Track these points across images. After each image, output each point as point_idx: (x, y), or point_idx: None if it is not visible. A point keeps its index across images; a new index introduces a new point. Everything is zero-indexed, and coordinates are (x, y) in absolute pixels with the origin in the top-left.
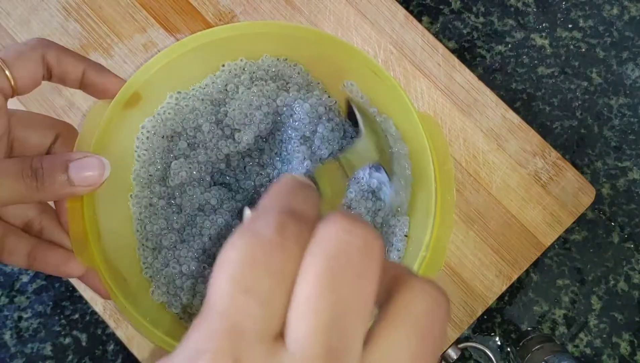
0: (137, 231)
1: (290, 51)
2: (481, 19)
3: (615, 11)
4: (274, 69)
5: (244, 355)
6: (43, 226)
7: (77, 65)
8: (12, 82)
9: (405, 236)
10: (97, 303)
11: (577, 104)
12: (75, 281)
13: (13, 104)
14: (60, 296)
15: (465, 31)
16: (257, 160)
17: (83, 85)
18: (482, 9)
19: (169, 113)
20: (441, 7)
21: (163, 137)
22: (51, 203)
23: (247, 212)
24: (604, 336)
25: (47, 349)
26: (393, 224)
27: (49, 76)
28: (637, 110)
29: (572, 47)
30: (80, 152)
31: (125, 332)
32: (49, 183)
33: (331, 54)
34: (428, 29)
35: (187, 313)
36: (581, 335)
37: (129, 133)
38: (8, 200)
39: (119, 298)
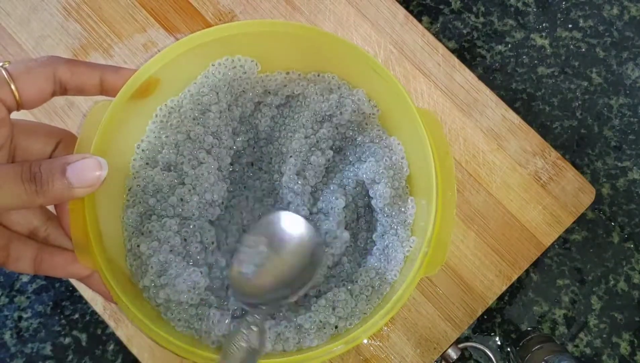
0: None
1: (289, 49)
2: (481, 19)
3: (615, 11)
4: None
5: None
6: (49, 234)
7: (92, 73)
8: (17, 96)
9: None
10: (97, 303)
11: (577, 104)
12: (76, 283)
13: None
14: (60, 296)
15: (465, 31)
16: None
17: (104, 90)
18: (482, 9)
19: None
20: (441, 7)
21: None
22: (52, 209)
23: None
24: (604, 336)
25: (47, 349)
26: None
27: (63, 90)
28: (637, 110)
29: (572, 47)
30: (77, 154)
31: (125, 332)
32: (48, 186)
33: (330, 51)
34: (428, 29)
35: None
36: (581, 335)
37: (130, 133)
38: (8, 205)
39: (121, 299)
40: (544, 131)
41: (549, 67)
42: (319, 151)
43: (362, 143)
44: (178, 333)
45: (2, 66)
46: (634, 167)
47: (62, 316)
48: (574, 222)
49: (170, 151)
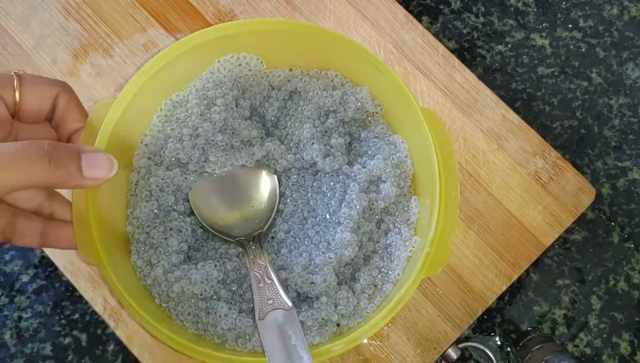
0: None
1: (293, 47)
2: (481, 19)
3: (615, 11)
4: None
5: None
6: (54, 210)
7: (80, 119)
8: (17, 102)
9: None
10: (97, 303)
11: (577, 104)
12: (76, 283)
13: None
14: (60, 296)
15: (465, 31)
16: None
17: (71, 139)
18: (482, 9)
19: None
20: (441, 7)
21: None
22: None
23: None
24: (604, 336)
25: (47, 349)
26: (399, 225)
27: (50, 115)
28: (637, 110)
29: (572, 47)
30: (91, 146)
31: (125, 332)
32: (62, 168)
33: (333, 50)
34: (428, 29)
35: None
36: (581, 335)
37: (134, 128)
38: (24, 183)
39: (123, 296)
40: (544, 131)
41: (549, 67)
42: (336, 133)
43: (366, 139)
44: (180, 330)
45: (15, 72)
46: (634, 167)
47: (62, 316)
48: (574, 222)
49: (176, 145)
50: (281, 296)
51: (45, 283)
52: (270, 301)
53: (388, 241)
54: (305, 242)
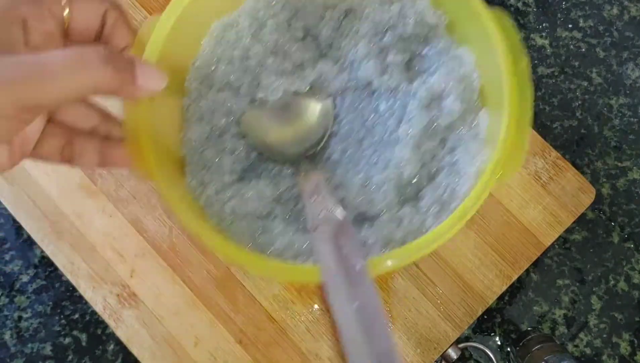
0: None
1: None
2: None
3: (615, 11)
4: None
5: None
6: (110, 130)
7: (127, 38)
8: (66, 17)
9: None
10: (97, 303)
11: (577, 104)
12: (75, 282)
13: None
14: (60, 296)
15: None
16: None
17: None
18: None
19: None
20: None
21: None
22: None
23: None
24: (604, 336)
25: (47, 349)
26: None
27: (100, 35)
28: (637, 110)
29: (572, 47)
30: (142, 58)
31: (125, 332)
32: (118, 74)
33: None
34: None
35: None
36: (581, 335)
37: (183, 50)
38: (83, 87)
39: (182, 212)
40: (544, 131)
41: (549, 67)
42: (394, 50)
43: (428, 55)
44: (242, 247)
45: None
46: (634, 167)
47: (62, 316)
48: (574, 222)
49: (227, 67)
50: (333, 207)
51: (45, 283)
52: (324, 212)
53: (454, 159)
54: (362, 162)
